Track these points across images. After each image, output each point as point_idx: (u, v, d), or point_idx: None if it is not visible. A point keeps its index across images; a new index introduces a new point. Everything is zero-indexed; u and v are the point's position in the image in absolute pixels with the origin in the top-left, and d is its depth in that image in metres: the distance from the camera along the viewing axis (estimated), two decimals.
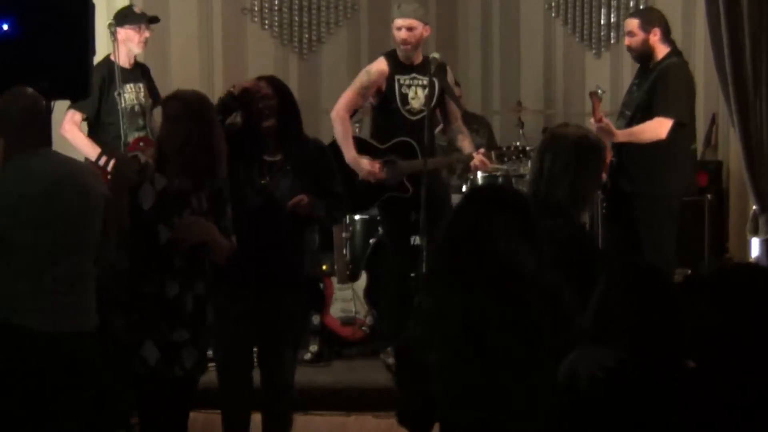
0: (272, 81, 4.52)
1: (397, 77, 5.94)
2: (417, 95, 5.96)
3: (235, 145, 4.35)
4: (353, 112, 6.15)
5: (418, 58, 5.99)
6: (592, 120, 5.83)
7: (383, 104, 6.03)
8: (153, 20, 6.40)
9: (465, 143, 6.07)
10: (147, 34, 6.32)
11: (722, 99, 6.43)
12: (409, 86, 5.95)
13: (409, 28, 5.90)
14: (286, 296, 4.48)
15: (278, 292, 4.45)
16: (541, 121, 7.62)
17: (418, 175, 5.79)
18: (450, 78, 6.15)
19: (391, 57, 6.01)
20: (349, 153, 5.91)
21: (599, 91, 5.92)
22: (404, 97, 5.94)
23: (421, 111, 5.93)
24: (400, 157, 5.93)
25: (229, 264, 4.26)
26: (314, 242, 4.61)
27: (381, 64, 6.01)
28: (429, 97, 5.83)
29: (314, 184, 4.47)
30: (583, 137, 3.70)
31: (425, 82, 5.91)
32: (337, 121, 6.00)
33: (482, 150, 6.01)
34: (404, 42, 5.91)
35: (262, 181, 4.43)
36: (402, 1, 6.02)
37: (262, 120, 4.43)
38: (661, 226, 5.77)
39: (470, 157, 5.98)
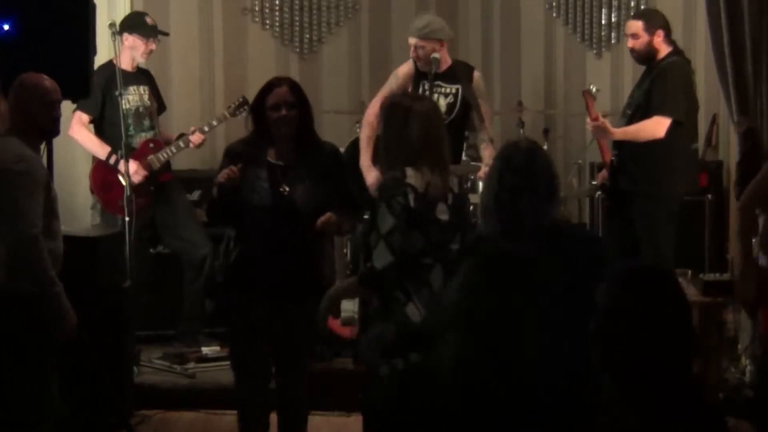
0: (295, 88, 4.42)
1: (422, 81, 5.94)
2: (438, 103, 5.91)
3: (250, 150, 4.37)
4: None
5: (445, 66, 5.98)
6: (588, 120, 5.83)
7: None
8: (162, 34, 6.45)
9: (486, 152, 6.03)
10: (153, 46, 6.36)
11: (722, 99, 6.43)
12: (431, 93, 5.92)
13: (417, 47, 5.92)
14: (306, 305, 4.38)
15: (299, 301, 4.40)
16: (542, 122, 7.62)
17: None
18: (479, 85, 6.10)
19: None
20: (365, 160, 5.90)
21: (592, 89, 5.90)
22: None
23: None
24: None
25: (251, 272, 4.32)
26: (331, 248, 4.54)
27: (408, 67, 6.04)
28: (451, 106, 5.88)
29: (332, 189, 4.41)
30: None
31: (448, 91, 5.98)
32: (365, 126, 6.02)
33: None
34: (416, 58, 5.95)
35: (281, 189, 4.35)
36: (416, 17, 6.05)
37: (282, 127, 4.36)
38: (660, 225, 5.77)
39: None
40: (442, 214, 3.97)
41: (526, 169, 3.32)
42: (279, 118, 4.34)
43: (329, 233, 4.36)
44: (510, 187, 3.31)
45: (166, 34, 6.57)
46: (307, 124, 4.42)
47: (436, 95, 5.96)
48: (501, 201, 3.33)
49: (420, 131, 3.98)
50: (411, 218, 3.89)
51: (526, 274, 3.05)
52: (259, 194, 4.34)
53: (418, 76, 5.97)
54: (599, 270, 2.78)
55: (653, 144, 5.70)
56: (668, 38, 5.88)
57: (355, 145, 6.27)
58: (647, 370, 2.48)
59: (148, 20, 6.36)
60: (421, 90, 5.89)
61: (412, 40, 5.93)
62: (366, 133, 5.98)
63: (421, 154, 3.96)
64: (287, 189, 4.35)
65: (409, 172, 3.94)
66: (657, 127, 5.69)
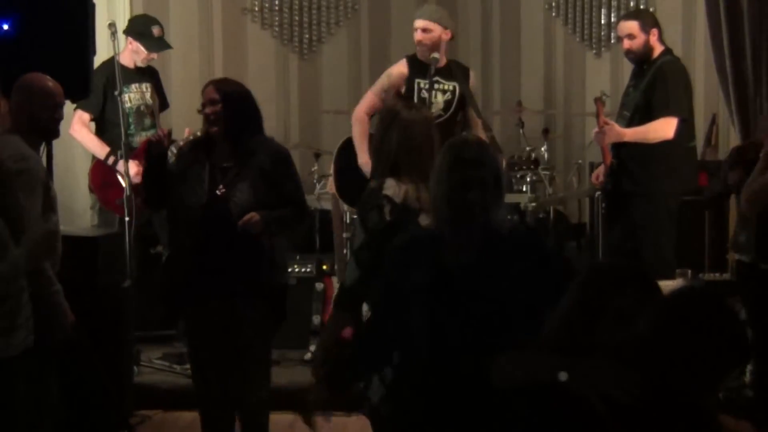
0: (219, 85, 4.40)
1: (417, 80, 5.91)
2: (436, 99, 5.90)
3: (197, 150, 4.38)
4: (374, 114, 6.12)
5: (442, 62, 5.95)
6: (596, 127, 5.83)
7: None
8: (166, 48, 6.47)
9: None
10: (154, 56, 6.39)
11: (722, 99, 6.43)
12: (429, 90, 5.88)
13: (425, 30, 5.88)
14: (246, 306, 4.35)
15: (239, 302, 4.35)
16: (542, 122, 7.62)
17: None
18: (473, 84, 6.11)
19: (413, 59, 5.98)
20: (362, 157, 5.83)
21: (603, 96, 5.90)
22: (423, 101, 5.83)
23: (440, 115, 5.84)
24: None
25: (183, 272, 4.33)
26: (280, 249, 4.45)
27: (401, 67, 6.00)
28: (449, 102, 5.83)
29: (272, 190, 4.32)
30: None
31: (446, 87, 5.94)
32: (356, 123, 5.99)
33: None
34: (419, 43, 5.88)
35: (217, 190, 4.32)
36: (425, 3, 6.00)
37: (206, 125, 4.37)
38: (660, 225, 5.77)
39: None
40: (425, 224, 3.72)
41: (476, 162, 3.19)
42: (203, 117, 4.38)
43: (254, 233, 4.28)
44: (460, 179, 3.18)
45: (170, 47, 6.57)
46: (233, 122, 4.35)
47: (434, 91, 5.94)
48: (450, 193, 3.19)
49: (399, 140, 3.83)
50: (387, 231, 3.67)
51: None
52: (196, 194, 4.33)
53: (413, 75, 5.93)
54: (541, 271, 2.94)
55: (653, 144, 5.71)
56: (660, 36, 5.89)
57: (346, 147, 6.26)
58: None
59: (155, 31, 6.33)
60: (416, 89, 5.88)
61: (422, 23, 5.89)
62: (358, 130, 5.95)
63: (401, 165, 3.80)
64: (223, 189, 4.32)
65: (389, 182, 3.79)
66: (666, 127, 5.70)
